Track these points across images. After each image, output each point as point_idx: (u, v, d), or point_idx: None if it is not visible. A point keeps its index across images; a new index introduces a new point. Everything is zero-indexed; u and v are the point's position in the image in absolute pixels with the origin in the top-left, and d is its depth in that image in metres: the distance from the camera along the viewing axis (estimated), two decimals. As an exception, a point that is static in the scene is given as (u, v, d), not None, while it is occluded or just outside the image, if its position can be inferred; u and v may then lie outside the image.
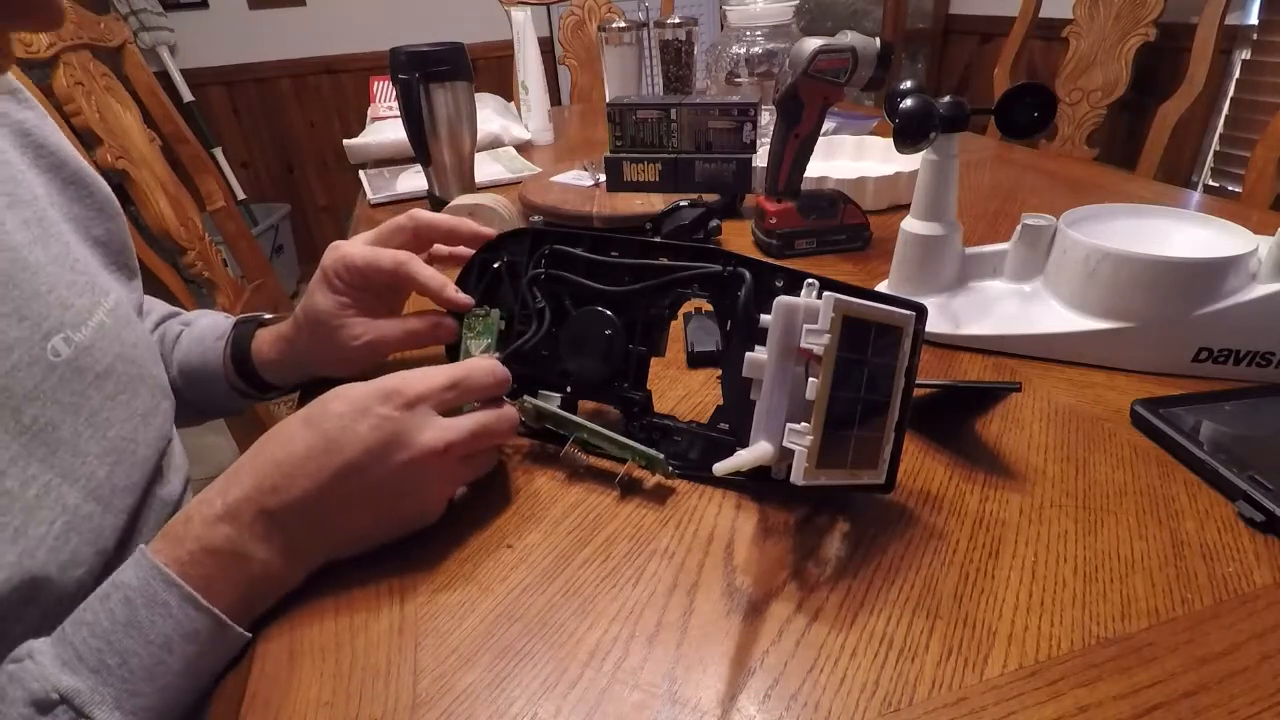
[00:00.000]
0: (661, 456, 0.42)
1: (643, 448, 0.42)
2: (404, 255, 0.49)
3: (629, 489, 0.43)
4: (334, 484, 0.35)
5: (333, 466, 0.35)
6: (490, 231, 0.51)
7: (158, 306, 0.65)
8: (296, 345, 0.54)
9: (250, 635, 0.35)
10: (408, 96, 0.89)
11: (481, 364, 0.41)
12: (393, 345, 0.51)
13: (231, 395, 0.59)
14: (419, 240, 0.52)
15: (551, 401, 0.46)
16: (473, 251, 0.51)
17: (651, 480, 0.44)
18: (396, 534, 0.39)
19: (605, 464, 0.45)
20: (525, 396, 0.46)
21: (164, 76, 2.55)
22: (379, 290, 0.51)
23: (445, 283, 0.48)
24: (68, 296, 0.43)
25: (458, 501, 0.43)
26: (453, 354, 0.51)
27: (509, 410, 0.42)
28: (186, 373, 0.59)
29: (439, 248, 0.53)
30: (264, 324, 0.58)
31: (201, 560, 0.34)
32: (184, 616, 0.33)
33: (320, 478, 0.35)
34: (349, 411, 0.36)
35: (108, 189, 0.51)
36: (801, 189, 0.75)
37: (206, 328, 0.60)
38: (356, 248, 0.50)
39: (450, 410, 0.39)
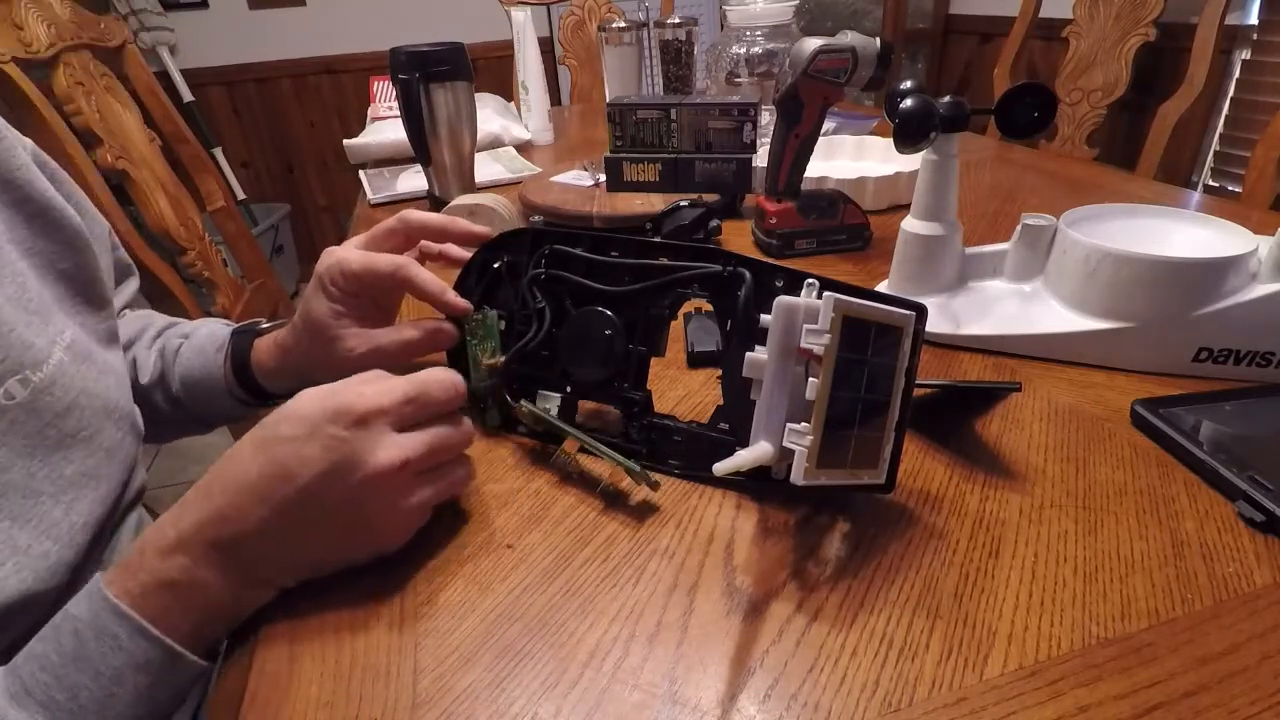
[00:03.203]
0: (638, 469, 0.40)
1: (621, 459, 0.41)
2: (401, 259, 0.48)
3: (628, 492, 0.43)
4: (288, 511, 0.34)
5: (284, 494, 0.34)
6: (484, 230, 0.50)
7: (156, 319, 0.65)
8: (294, 354, 0.53)
9: (207, 664, 0.35)
10: (408, 96, 0.89)
11: (440, 375, 0.39)
12: (391, 356, 0.50)
13: (235, 405, 0.58)
14: (411, 242, 0.52)
15: (552, 402, 0.46)
16: (461, 248, 0.51)
17: (652, 480, 0.44)
18: (357, 557, 0.37)
19: (605, 466, 0.45)
20: (522, 400, 0.46)
21: (164, 76, 2.54)
22: (375, 296, 0.51)
23: (444, 287, 0.48)
24: (27, 336, 0.42)
25: (453, 508, 0.43)
26: (454, 359, 0.51)
27: (467, 423, 0.40)
28: (189, 385, 0.59)
29: (427, 245, 0.53)
30: (261, 333, 0.58)
31: (156, 592, 0.33)
32: (135, 648, 0.32)
33: (273, 505, 0.34)
34: (300, 435, 0.35)
35: (78, 222, 0.50)
36: (801, 189, 0.75)
37: (205, 338, 0.59)
38: (352, 253, 0.49)
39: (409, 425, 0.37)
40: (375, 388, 0.37)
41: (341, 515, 0.35)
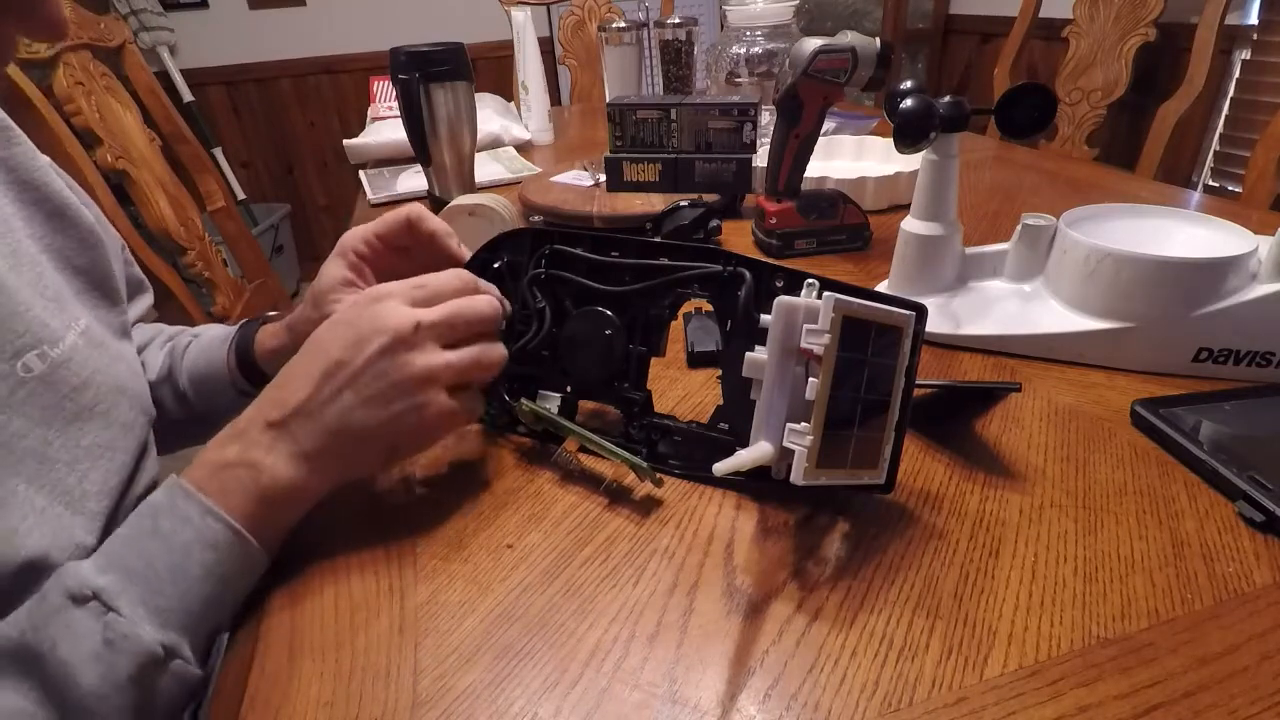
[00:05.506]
0: (645, 465, 0.41)
1: (626, 455, 0.41)
2: (414, 205, 0.52)
3: (630, 489, 0.43)
4: (324, 382, 0.38)
5: (319, 368, 0.38)
6: (462, 255, 0.51)
7: (167, 328, 0.67)
8: (297, 328, 0.54)
9: (268, 558, 0.38)
10: (408, 96, 0.89)
11: (446, 271, 0.43)
12: None
13: (237, 400, 0.59)
14: (414, 236, 0.53)
15: (552, 402, 0.46)
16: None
17: (640, 484, 0.44)
18: (413, 438, 0.40)
19: (606, 465, 0.45)
20: (523, 399, 0.46)
21: (164, 76, 2.54)
22: (390, 264, 0.52)
23: (450, 230, 0.51)
24: (44, 316, 0.44)
25: (461, 500, 0.43)
26: None
27: (485, 296, 0.42)
28: (195, 380, 0.60)
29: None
30: (269, 320, 0.59)
31: (215, 475, 0.37)
32: (203, 526, 0.36)
33: (311, 380, 0.38)
34: (331, 324, 0.40)
35: (90, 220, 0.53)
36: (801, 189, 0.75)
37: (214, 335, 0.61)
38: (370, 223, 0.53)
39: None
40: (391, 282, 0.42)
41: (370, 381, 0.38)
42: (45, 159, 0.52)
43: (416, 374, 0.38)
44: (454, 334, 0.40)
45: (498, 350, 0.42)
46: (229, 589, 0.36)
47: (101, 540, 0.43)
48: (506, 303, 0.44)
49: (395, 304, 0.40)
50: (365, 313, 0.39)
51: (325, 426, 0.38)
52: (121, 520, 0.47)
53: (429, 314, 0.39)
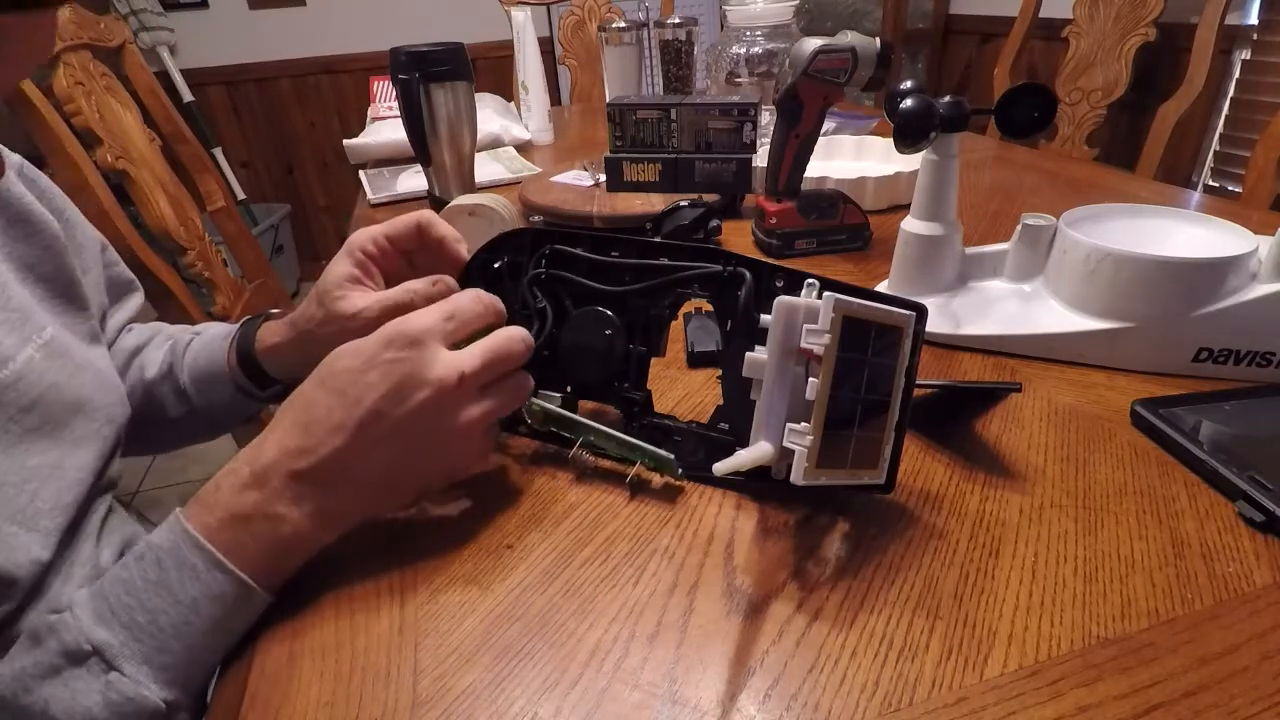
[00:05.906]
0: (671, 457, 0.42)
1: (653, 449, 0.42)
2: (427, 212, 0.51)
3: (649, 481, 0.43)
4: (359, 436, 0.36)
5: (355, 419, 0.36)
6: (461, 256, 0.51)
7: (166, 327, 0.66)
8: (300, 325, 0.54)
9: (273, 599, 0.36)
10: (408, 96, 0.89)
11: (467, 293, 0.41)
12: (399, 309, 0.49)
13: (237, 397, 0.59)
14: (422, 241, 0.53)
15: (552, 402, 0.46)
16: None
17: (653, 480, 0.44)
18: (432, 480, 0.39)
19: (606, 464, 0.45)
20: (531, 398, 0.46)
21: (164, 76, 2.55)
22: (397, 266, 0.52)
23: (459, 236, 0.50)
24: None
25: (454, 507, 0.43)
26: None
27: (516, 330, 0.41)
28: (196, 377, 0.59)
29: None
30: (271, 317, 0.59)
31: (230, 526, 0.35)
32: (211, 579, 0.34)
33: (345, 432, 0.36)
34: (358, 365, 0.37)
35: (55, 227, 0.53)
36: (801, 189, 0.75)
37: (215, 332, 0.61)
38: (377, 225, 0.52)
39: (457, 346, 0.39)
40: (416, 312, 0.39)
41: (410, 435, 0.37)
42: (8, 168, 0.51)
43: (459, 428, 0.38)
44: (492, 378, 0.39)
45: (528, 384, 0.42)
46: (232, 636, 0.36)
47: (58, 554, 0.43)
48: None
49: (435, 350, 0.37)
50: (402, 358, 0.36)
51: (356, 481, 0.37)
52: (79, 533, 0.47)
53: (471, 363, 0.37)
